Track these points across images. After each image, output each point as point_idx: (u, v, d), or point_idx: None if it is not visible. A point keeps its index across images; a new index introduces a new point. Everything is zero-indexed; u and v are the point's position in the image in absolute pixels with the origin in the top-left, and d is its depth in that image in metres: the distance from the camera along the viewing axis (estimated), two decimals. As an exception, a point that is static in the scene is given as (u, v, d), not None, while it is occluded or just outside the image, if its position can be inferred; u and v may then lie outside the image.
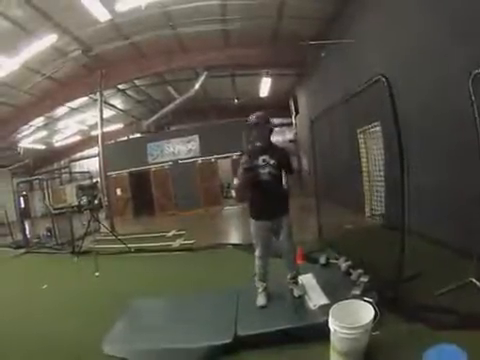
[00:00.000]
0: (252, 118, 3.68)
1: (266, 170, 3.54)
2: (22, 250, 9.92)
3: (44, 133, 19.30)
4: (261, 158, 3.57)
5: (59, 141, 22.04)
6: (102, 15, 8.87)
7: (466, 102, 3.73)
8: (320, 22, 10.21)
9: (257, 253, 3.78)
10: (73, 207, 10.19)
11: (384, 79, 3.50)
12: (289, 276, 3.91)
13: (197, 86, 13.55)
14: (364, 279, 3.72)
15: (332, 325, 2.62)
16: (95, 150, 19.15)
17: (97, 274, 6.28)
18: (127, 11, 8.76)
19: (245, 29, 10.73)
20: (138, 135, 19.99)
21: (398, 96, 3.50)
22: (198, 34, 10.84)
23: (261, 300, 3.71)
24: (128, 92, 16.61)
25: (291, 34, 10.99)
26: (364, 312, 2.74)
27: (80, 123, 19.33)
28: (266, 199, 3.61)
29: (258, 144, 3.68)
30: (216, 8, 9.61)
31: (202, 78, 13.25)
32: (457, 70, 4.32)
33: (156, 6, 9.07)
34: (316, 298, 3.61)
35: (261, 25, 10.61)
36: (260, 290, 3.81)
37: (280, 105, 18.41)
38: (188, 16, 9.82)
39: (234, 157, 15.42)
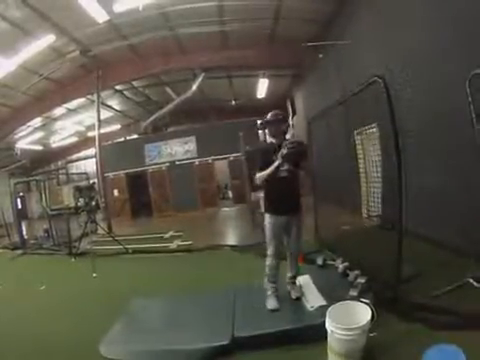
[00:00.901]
0: (269, 116, 3.76)
1: (284, 167, 3.55)
2: (19, 251, 9.88)
3: (41, 134, 19.26)
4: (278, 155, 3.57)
5: (56, 142, 21.99)
6: (100, 16, 8.86)
7: (464, 102, 3.75)
8: (317, 23, 10.23)
9: (270, 252, 3.73)
10: (70, 208, 10.15)
11: (381, 80, 3.50)
12: (289, 275, 3.92)
13: (195, 87, 13.52)
14: (361, 280, 3.73)
15: (329, 326, 2.62)
16: (92, 151, 19.13)
17: (95, 275, 6.28)
18: (125, 12, 8.75)
19: (243, 30, 10.74)
20: (135, 136, 19.98)
21: (395, 97, 3.50)
22: (196, 35, 10.84)
23: (272, 303, 3.65)
24: (126, 93, 16.59)
25: (288, 35, 11.02)
26: (361, 313, 2.74)
27: (77, 124, 19.29)
28: (283, 195, 3.64)
29: (273, 141, 3.74)
30: (214, 9, 9.62)
31: (200, 79, 13.23)
32: (456, 70, 4.33)
33: (154, 7, 9.07)
34: (313, 299, 3.61)
35: (258, 26, 10.62)
36: (270, 292, 3.76)
37: (277, 106, 18.37)
38: (186, 17, 9.83)
39: (231, 158, 15.45)
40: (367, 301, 3.05)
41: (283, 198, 3.65)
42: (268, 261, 3.76)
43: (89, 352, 3.30)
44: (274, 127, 3.75)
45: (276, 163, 3.42)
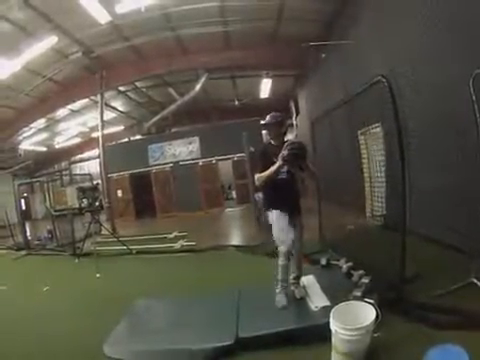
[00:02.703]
0: (268, 118, 3.77)
1: (283, 169, 3.54)
2: (23, 252, 9.93)
3: (45, 135, 19.34)
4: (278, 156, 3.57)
5: (60, 143, 22.08)
6: (102, 17, 8.89)
7: (467, 103, 3.73)
8: (320, 23, 10.23)
9: (282, 249, 3.58)
10: (74, 209, 10.18)
11: (384, 80, 3.49)
12: (293, 276, 3.90)
13: (198, 88, 13.55)
14: (365, 280, 3.72)
15: (333, 326, 2.61)
16: (96, 152, 19.17)
17: (98, 276, 6.29)
18: (127, 13, 8.78)
19: (245, 30, 10.75)
20: (139, 137, 20.03)
21: (398, 97, 3.49)
22: (198, 36, 10.86)
23: (282, 300, 3.61)
24: (129, 94, 16.64)
25: (291, 35, 11.01)
26: (365, 313, 2.73)
27: (81, 125, 19.36)
28: (282, 197, 3.64)
29: (273, 143, 3.76)
30: (216, 10, 9.64)
31: (203, 80, 13.25)
32: (459, 71, 4.31)
33: (156, 8, 9.09)
34: (317, 299, 3.59)
35: (261, 26, 10.63)
36: (279, 290, 3.70)
37: (281, 106, 18.41)
38: (188, 18, 9.84)
39: (235, 158, 15.45)
40: (371, 301, 3.04)
41: (283, 200, 3.64)
42: (281, 261, 3.63)
43: (93, 352, 3.30)
44: (273, 129, 3.77)
45: (276, 165, 3.39)
